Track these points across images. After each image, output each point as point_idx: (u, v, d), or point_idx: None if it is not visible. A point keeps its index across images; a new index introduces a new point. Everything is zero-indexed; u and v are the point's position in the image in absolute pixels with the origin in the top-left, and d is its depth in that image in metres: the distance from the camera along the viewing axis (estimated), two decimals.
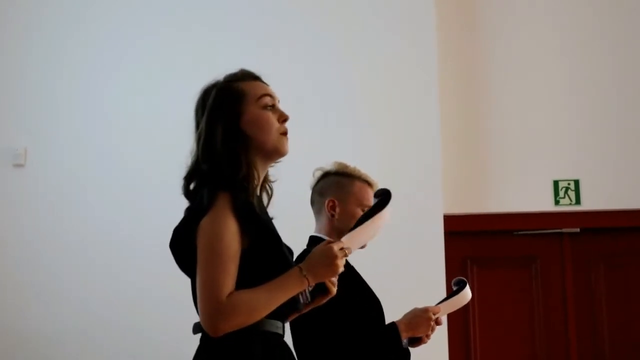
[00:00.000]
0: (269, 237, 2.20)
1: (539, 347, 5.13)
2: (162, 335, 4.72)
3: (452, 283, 3.13)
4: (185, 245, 2.18)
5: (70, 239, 4.94)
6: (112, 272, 4.88)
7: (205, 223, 2.13)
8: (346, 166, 3.11)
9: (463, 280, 3.08)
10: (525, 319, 5.15)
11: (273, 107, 2.31)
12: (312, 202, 3.13)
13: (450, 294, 3.09)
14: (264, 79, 2.37)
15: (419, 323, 2.94)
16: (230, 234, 2.12)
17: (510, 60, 5.36)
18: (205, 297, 2.08)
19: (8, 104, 5.14)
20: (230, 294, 2.08)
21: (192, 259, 2.15)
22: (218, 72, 2.41)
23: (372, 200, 3.08)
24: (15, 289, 4.91)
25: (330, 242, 2.20)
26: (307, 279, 2.14)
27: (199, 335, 2.21)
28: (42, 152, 5.06)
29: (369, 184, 3.09)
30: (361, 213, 3.01)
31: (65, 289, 4.89)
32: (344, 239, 2.26)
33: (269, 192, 2.38)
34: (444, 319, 3.12)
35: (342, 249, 2.19)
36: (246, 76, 2.35)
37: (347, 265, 3.02)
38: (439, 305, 3.02)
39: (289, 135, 2.32)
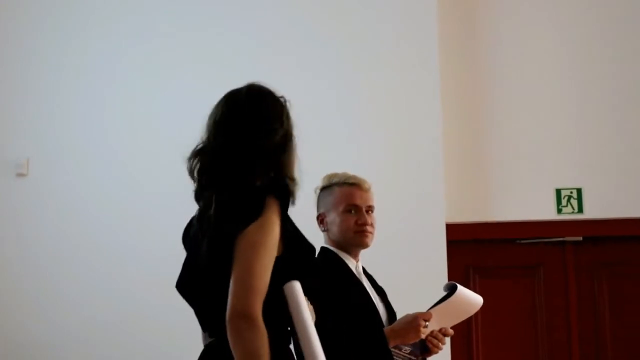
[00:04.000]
0: (305, 250, 2.26)
1: (542, 356, 5.12)
2: (163, 344, 4.72)
3: (443, 288, 3.09)
4: (223, 252, 2.17)
5: (73, 248, 4.95)
6: (113, 281, 4.89)
7: (255, 227, 2.14)
8: (329, 177, 3.14)
9: (454, 285, 3.03)
10: (528, 328, 5.14)
11: None
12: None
13: (442, 297, 3.05)
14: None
15: (407, 330, 2.93)
16: (275, 241, 2.15)
17: (512, 69, 5.36)
18: (244, 297, 2.08)
19: (10, 114, 5.14)
20: (264, 328, 2.08)
21: (226, 261, 2.16)
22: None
23: (355, 200, 3.05)
24: (15, 297, 4.92)
25: None
26: None
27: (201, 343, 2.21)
28: (45, 161, 5.07)
29: (350, 184, 3.08)
30: (347, 217, 3.02)
31: (66, 298, 4.89)
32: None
33: None
34: (450, 330, 3.10)
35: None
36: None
37: (351, 274, 3.02)
38: (431, 310, 3.00)
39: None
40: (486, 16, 5.42)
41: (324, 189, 3.11)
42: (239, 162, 2.25)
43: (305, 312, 2.20)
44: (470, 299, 3.07)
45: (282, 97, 2.37)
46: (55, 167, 5.07)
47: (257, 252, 2.11)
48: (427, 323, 2.95)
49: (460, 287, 3.02)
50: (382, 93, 5.08)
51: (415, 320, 2.93)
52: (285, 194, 2.23)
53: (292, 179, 2.29)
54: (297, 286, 2.21)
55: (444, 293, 3.09)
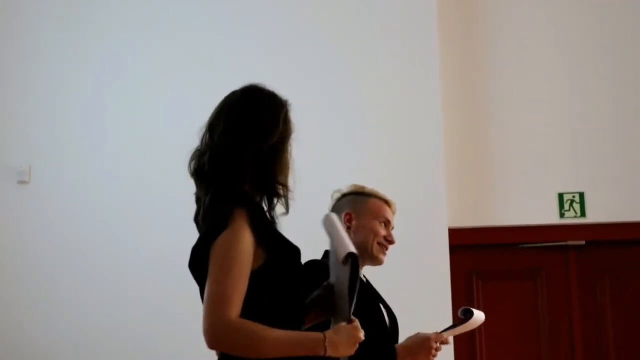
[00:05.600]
0: (289, 252, 2.23)
1: (544, 359, 5.11)
2: (162, 347, 4.71)
3: (459, 312, 3.12)
4: (203, 264, 2.17)
5: (74, 254, 4.94)
6: (115, 286, 4.88)
7: (222, 239, 2.13)
8: (363, 187, 3.16)
9: (470, 311, 3.07)
10: (530, 332, 5.13)
11: None
12: None
13: (457, 323, 3.09)
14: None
15: (419, 351, 2.95)
16: (245, 251, 2.13)
17: (514, 72, 5.35)
18: (214, 312, 2.08)
19: (11, 122, 5.14)
20: (243, 319, 2.08)
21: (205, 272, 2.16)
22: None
23: (389, 216, 3.13)
24: (18, 303, 4.91)
25: (356, 325, 2.20)
26: (325, 349, 2.13)
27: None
28: (46, 168, 5.07)
29: (386, 201, 3.14)
30: (378, 226, 3.07)
31: (68, 303, 4.89)
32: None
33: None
34: (450, 338, 3.11)
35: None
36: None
37: (363, 283, 3.02)
38: (443, 333, 3.02)
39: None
40: (486, 16, 5.41)
41: (355, 194, 3.13)
42: (226, 164, 2.23)
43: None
44: (477, 321, 3.11)
45: (283, 99, 2.34)
46: (56, 174, 5.07)
47: (225, 265, 2.10)
48: (438, 344, 2.97)
49: (476, 313, 3.06)
50: (383, 96, 5.08)
51: (428, 342, 2.96)
52: (254, 204, 2.21)
53: (283, 185, 2.28)
54: (334, 217, 2.34)
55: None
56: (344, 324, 2.19)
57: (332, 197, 3.16)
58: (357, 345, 2.18)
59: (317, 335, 2.14)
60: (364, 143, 5.00)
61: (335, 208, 3.13)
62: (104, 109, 5.13)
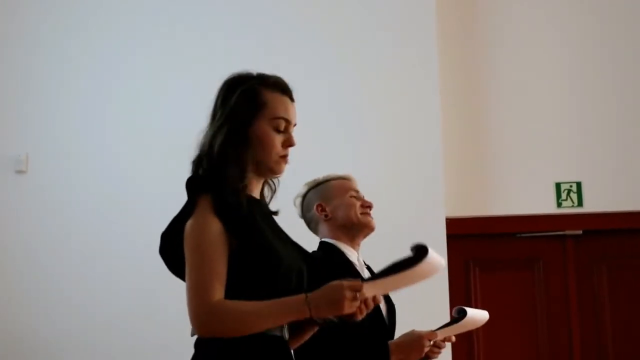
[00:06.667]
0: (255, 235, 2.18)
1: (542, 350, 5.14)
2: (162, 339, 4.72)
3: (453, 312, 3.12)
4: (173, 250, 2.21)
5: (72, 245, 4.95)
6: (112, 278, 4.89)
7: (188, 227, 2.16)
8: (315, 179, 3.19)
9: (464, 310, 3.06)
10: (528, 322, 5.16)
11: (284, 130, 2.32)
12: (309, 224, 3.17)
13: (451, 321, 3.08)
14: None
15: (412, 349, 2.93)
16: (214, 236, 2.13)
17: (511, 63, 5.37)
18: (195, 299, 2.09)
19: (9, 110, 5.15)
20: (224, 300, 2.10)
21: (181, 263, 2.17)
22: (220, 80, 2.43)
23: (355, 187, 3.14)
24: (15, 294, 4.93)
25: (344, 282, 2.10)
26: (309, 309, 2.08)
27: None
28: (44, 158, 5.07)
29: (343, 177, 3.17)
30: (351, 199, 3.09)
31: (66, 294, 4.90)
32: (365, 285, 2.13)
33: (272, 187, 2.41)
34: (453, 337, 3.12)
35: (355, 291, 2.09)
36: (277, 86, 2.35)
37: (354, 270, 3.04)
38: (437, 331, 3.01)
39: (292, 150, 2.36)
40: (486, 16, 5.42)
41: (314, 187, 3.16)
42: (195, 158, 2.28)
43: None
44: (476, 320, 3.11)
45: (249, 77, 2.34)
46: (54, 163, 5.07)
47: (198, 252, 2.12)
48: (431, 342, 2.97)
49: (472, 313, 3.06)
50: (383, 96, 5.08)
51: (420, 340, 2.94)
52: (222, 191, 2.19)
53: (233, 176, 2.22)
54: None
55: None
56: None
57: (295, 204, 3.16)
58: (346, 304, 2.06)
59: (299, 296, 2.10)
60: (363, 135, 5.01)
61: (304, 208, 3.15)
62: (103, 100, 5.13)
